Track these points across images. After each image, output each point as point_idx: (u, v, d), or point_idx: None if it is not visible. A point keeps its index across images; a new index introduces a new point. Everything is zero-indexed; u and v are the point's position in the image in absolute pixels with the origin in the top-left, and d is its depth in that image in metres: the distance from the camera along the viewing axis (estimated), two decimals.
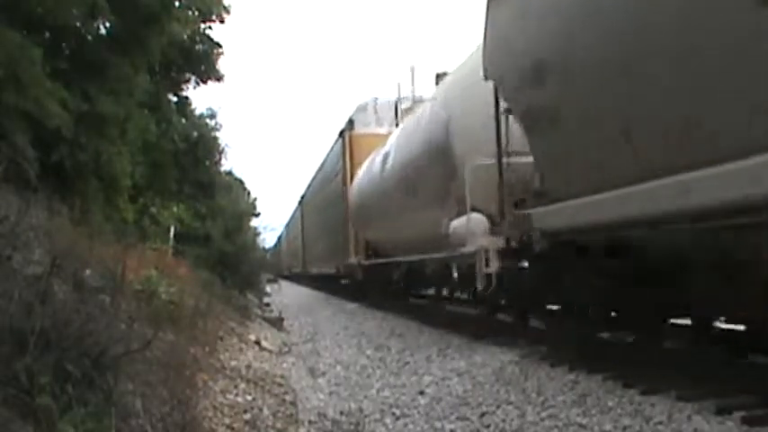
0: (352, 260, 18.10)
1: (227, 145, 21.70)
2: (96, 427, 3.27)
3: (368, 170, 16.07)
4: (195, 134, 20.66)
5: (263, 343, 10.37)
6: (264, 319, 15.24)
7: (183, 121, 20.39)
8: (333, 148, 22.41)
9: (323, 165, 25.66)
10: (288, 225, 43.73)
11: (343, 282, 20.57)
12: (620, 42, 4.95)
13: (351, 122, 19.68)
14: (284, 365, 9.04)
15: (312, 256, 28.33)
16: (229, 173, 31.04)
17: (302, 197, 34.08)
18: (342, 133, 20.14)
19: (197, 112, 21.46)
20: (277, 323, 14.70)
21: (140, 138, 14.55)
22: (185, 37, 16.75)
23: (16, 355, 3.31)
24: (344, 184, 18.87)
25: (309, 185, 30.91)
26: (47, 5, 10.41)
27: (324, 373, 8.47)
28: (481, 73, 7.51)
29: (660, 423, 4.43)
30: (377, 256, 16.04)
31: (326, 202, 23.28)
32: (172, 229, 19.41)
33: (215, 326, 9.22)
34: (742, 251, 4.73)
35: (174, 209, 21.01)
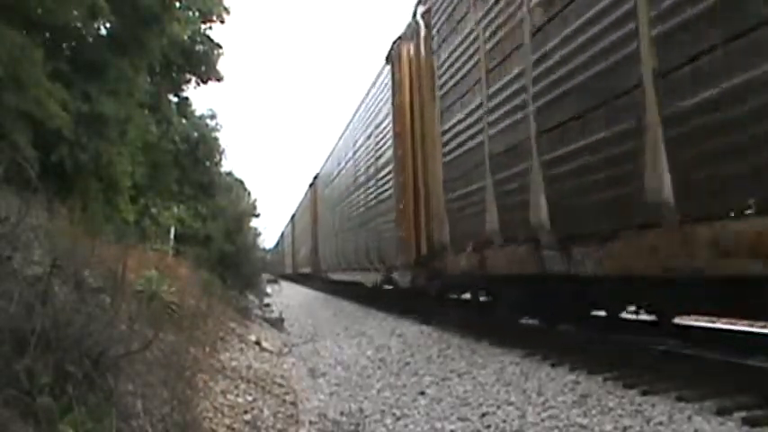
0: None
1: (226, 145, 21.80)
2: (96, 428, 3.26)
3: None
4: (195, 135, 20.70)
5: (264, 343, 10.37)
6: (265, 319, 15.24)
7: (184, 121, 20.43)
8: (306, 194, 32.32)
9: (303, 200, 34.81)
10: (283, 233, 52.11)
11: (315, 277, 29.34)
12: None
13: (316, 177, 27.42)
14: (284, 366, 9.05)
15: (300, 261, 38.33)
16: (229, 173, 31.18)
17: (293, 215, 42.61)
18: (311, 185, 29.82)
19: (197, 113, 21.50)
20: (277, 324, 14.71)
21: (141, 138, 14.57)
22: (185, 37, 16.79)
23: (16, 355, 3.30)
24: (313, 222, 27.76)
25: (296, 210, 40.14)
26: (47, 5, 10.42)
27: (324, 374, 8.46)
28: None
29: (660, 423, 4.42)
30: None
31: (306, 226, 31.98)
32: (172, 230, 19.42)
33: (215, 326, 9.22)
34: None
35: (175, 209, 21.03)
